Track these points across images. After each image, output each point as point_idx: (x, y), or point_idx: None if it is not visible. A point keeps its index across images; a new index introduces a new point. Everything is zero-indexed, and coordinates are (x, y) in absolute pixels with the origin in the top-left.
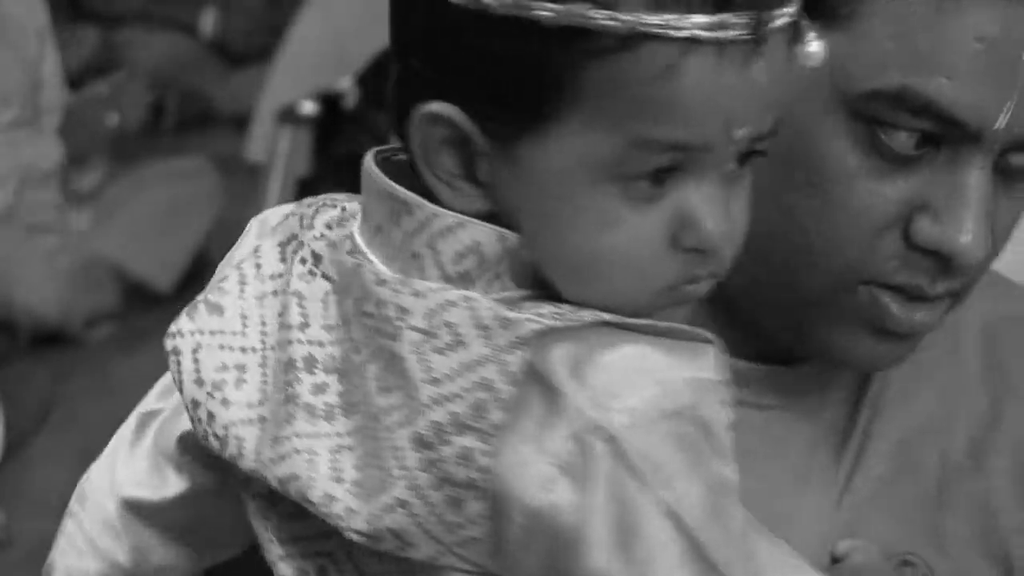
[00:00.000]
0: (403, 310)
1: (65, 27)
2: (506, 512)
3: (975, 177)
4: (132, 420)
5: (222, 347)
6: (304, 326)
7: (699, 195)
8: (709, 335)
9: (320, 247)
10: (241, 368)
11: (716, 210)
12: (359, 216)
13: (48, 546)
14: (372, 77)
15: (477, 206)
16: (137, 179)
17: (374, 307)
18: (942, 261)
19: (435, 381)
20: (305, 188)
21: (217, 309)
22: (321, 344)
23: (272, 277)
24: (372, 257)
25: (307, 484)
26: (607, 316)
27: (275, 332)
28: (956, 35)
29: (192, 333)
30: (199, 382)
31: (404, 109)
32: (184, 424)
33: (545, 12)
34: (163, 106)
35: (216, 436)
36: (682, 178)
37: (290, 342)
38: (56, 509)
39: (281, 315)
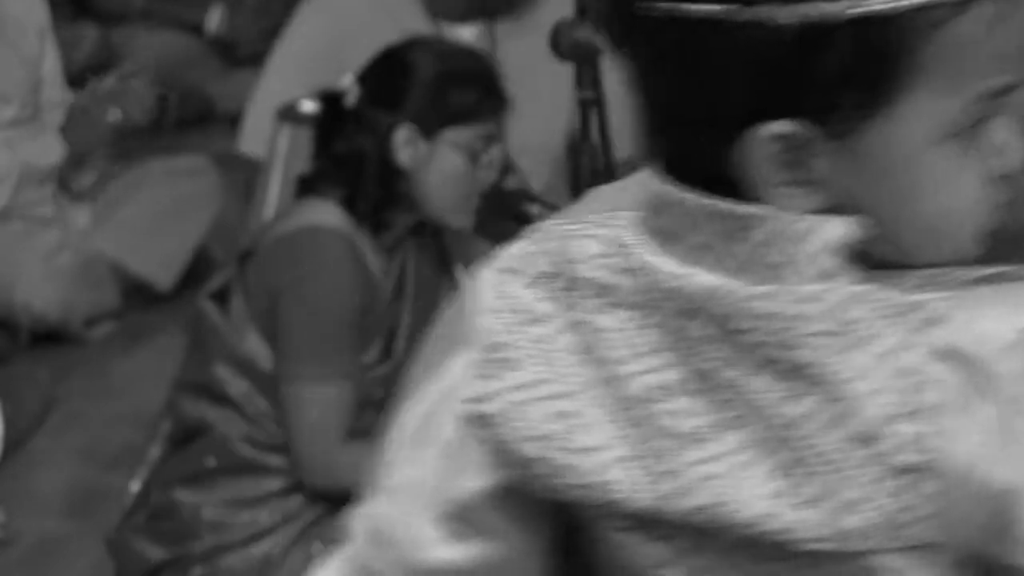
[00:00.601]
0: (797, 318)
1: (66, 25)
2: (952, 486)
3: None
4: (381, 498)
5: (533, 399)
6: (634, 357)
7: (1006, 123)
8: None
9: (606, 277)
10: (570, 415)
11: (1019, 132)
12: (646, 239)
13: (47, 545)
14: (372, 76)
15: (809, 204)
16: (137, 177)
17: (752, 322)
18: None
19: (857, 378)
20: (306, 186)
21: (506, 364)
22: (656, 371)
23: (543, 319)
24: (708, 276)
25: (730, 509)
26: (973, 272)
27: (585, 371)
28: None
29: (497, 394)
30: (533, 439)
31: (707, 144)
32: (474, 482)
33: (883, 5)
34: (164, 104)
35: (581, 486)
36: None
37: (618, 377)
38: (56, 508)
39: (586, 353)
